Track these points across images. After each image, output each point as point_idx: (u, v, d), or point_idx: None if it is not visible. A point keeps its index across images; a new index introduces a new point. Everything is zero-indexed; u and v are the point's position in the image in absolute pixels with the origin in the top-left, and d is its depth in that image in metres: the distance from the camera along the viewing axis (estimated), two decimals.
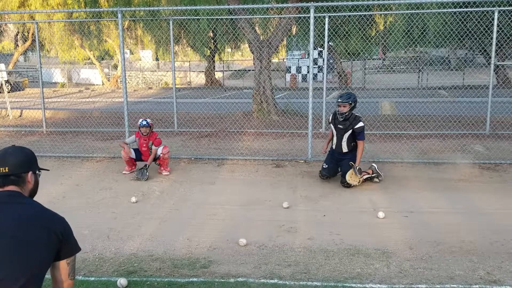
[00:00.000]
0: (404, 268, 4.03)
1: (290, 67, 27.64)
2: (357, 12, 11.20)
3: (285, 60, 29.20)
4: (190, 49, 26.80)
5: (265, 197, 6.10)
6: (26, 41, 25.32)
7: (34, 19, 19.51)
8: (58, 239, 1.95)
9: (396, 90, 19.66)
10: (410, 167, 7.49)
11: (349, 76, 24.61)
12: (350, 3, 8.88)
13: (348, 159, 6.40)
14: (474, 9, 10.75)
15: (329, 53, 23.16)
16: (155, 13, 16.88)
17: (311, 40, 7.71)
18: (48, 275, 2.04)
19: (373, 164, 6.77)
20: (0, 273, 1.80)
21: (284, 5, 12.61)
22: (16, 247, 1.84)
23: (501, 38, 14.82)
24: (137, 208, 5.76)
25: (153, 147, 7.06)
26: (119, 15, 8.03)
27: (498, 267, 4.04)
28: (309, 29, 7.78)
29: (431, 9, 13.59)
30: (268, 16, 14.78)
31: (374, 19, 17.23)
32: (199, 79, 29.72)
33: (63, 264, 2.02)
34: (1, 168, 2.04)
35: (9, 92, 15.64)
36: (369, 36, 18.33)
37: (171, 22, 11.08)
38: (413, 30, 15.48)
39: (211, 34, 23.42)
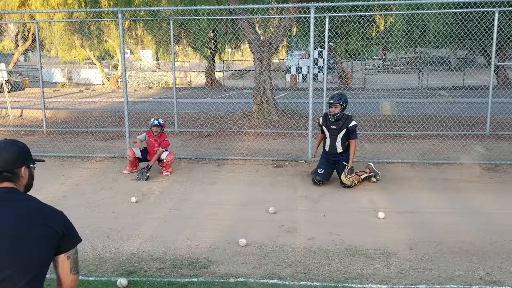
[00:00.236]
0: (404, 269, 4.03)
1: (290, 67, 27.64)
2: (358, 12, 11.19)
3: (285, 60, 29.22)
4: (190, 49, 26.79)
5: (265, 197, 6.10)
6: (26, 40, 25.31)
7: (34, 19, 19.51)
8: (58, 234, 1.91)
9: (396, 91, 19.65)
10: (410, 167, 7.49)
11: (349, 77, 24.61)
12: (351, 3, 8.89)
13: (344, 159, 6.42)
14: (475, 9, 10.75)
15: (329, 53, 23.18)
16: (156, 13, 16.89)
17: (311, 40, 7.71)
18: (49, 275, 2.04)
19: (370, 163, 6.78)
20: (0, 274, 1.78)
21: (285, 5, 12.61)
22: (16, 247, 1.81)
23: (501, 38, 14.80)
24: (137, 208, 5.76)
25: (160, 149, 7.06)
26: (120, 15, 8.04)
27: (498, 267, 4.04)
28: (309, 29, 7.79)
29: (432, 10, 13.59)
30: (269, 16, 14.79)
31: (374, 19, 17.25)
32: (199, 79, 29.72)
33: (62, 258, 1.96)
34: None
35: (9, 92, 15.64)
36: (370, 37, 18.34)
37: (171, 22, 11.08)
38: (413, 31, 15.47)
39: (212, 34, 23.42)
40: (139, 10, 16.36)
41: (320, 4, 8.30)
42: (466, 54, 24.59)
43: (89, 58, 28.31)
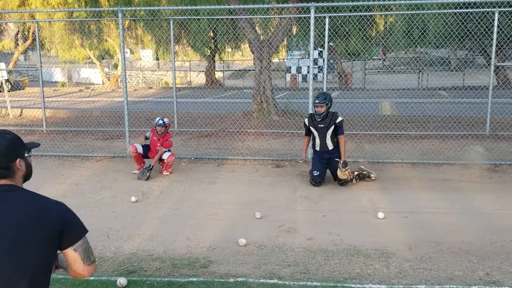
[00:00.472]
0: (403, 269, 4.04)
1: (290, 67, 27.65)
2: (358, 12, 11.20)
3: (285, 60, 29.21)
4: (190, 48, 26.78)
5: (265, 197, 6.11)
6: (26, 40, 25.29)
7: (34, 18, 19.51)
8: (57, 231, 1.81)
9: (396, 91, 19.65)
10: (410, 168, 7.50)
11: (349, 77, 24.61)
12: (351, 3, 8.89)
13: (336, 156, 6.49)
14: (475, 9, 10.75)
15: (329, 53, 23.18)
16: (156, 12, 16.88)
17: (311, 40, 7.71)
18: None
19: (361, 167, 6.88)
20: (1, 274, 1.75)
21: (285, 5, 12.62)
22: (16, 247, 1.76)
23: (501, 39, 14.79)
24: (137, 207, 5.77)
25: (162, 148, 7.06)
26: (120, 15, 8.04)
27: (497, 267, 4.04)
28: (309, 29, 7.79)
29: (432, 10, 13.59)
30: (269, 16, 14.79)
31: (374, 19, 17.25)
32: (199, 79, 29.72)
33: (70, 252, 1.86)
34: None
35: (9, 91, 15.64)
36: (370, 37, 18.34)
37: (171, 22, 11.08)
38: (413, 31, 15.47)
39: (212, 34, 23.43)
40: (139, 9, 16.37)
41: (320, 4, 8.30)
42: (466, 54, 24.59)
43: (89, 58, 28.32)
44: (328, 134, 6.49)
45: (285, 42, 23.87)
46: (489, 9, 10.38)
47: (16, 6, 20.56)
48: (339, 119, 6.50)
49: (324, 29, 9.24)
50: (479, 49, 21.58)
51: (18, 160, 1.89)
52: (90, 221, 5.18)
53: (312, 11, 7.60)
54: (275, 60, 30.23)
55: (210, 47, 25.07)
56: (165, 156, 7.10)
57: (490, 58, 10.12)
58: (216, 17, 15.52)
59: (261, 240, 4.68)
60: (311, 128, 6.62)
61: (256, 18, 15.17)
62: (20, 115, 13.57)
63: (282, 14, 12.23)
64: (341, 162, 6.35)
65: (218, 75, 29.29)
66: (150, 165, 7.04)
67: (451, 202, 5.81)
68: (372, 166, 7.51)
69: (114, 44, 25.48)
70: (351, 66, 25.59)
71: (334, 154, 6.53)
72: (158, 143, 7.09)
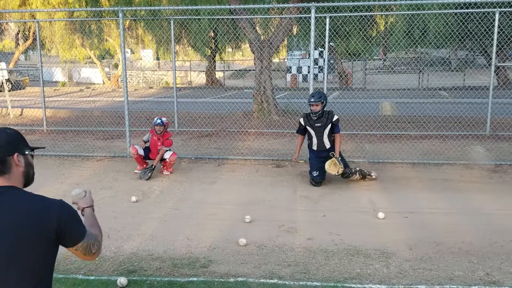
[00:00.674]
0: (403, 269, 4.04)
1: (290, 67, 27.64)
2: (358, 12, 11.20)
3: (285, 60, 29.20)
4: (191, 48, 26.79)
5: (265, 197, 6.11)
6: (27, 40, 25.30)
7: (35, 18, 19.51)
8: (57, 231, 1.76)
9: (396, 91, 19.65)
10: (410, 168, 7.49)
11: (349, 77, 24.61)
12: (351, 3, 8.90)
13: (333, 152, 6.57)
14: (475, 10, 10.75)
15: (329, 54, 23.19)
16: (156, 12, 16.89)
17: (312, 40, 7.72)
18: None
19: (361, 169, 6.88)
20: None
21: (285, 5, 12.62)
22: (15, 249, 1.71)
23: (502, 39, 14.79)
24: (137, 207, 5.77)
25: (163, 147, 7.07)
26: (120, 15, 8.04)
27: (497, 268, 4.04)
28: (310, 29, 7.79)
29: (432, 10, 13.59)
30: (269, 16, 14.79)
31: (375, 19, 17.25)
32: (199, 78, 29.72)
33: (71, 249, 1.85)
34: None
35: (9, 91, 15.64)
36: (370, 37, 18.34)
37: (172, 22, 11.08)
38: (413, 31, 15.48)
39: (212, 34, 23.44)
40: (139, 9, 16.41)
41: (321, 4, 8.30)
42: (467, 54, 24.59)
43: (90, 57, 28.32)
44: (325, 133, 6.53)
45: (285, 42, 23.86)
46: (490, 9, 10.37)
47: (16, 5, 20.57)
48: (336, 117, 6.57)
49: (325, 29, 9.24)
50: (479, 49, 21.57)
51: (16, 154, 1.82)
52: None
53: (313, 11, 7.60)
54: (275, 60, 30.24)
55: (211, 47, 25.08)
56: (167, 155, 7.11)
57: (491, 58, 10.12)
58: (217, 17, 15.53)
59: (261, 240, 4.68)
60: (308, 127, 6.63)
61: (256, 18, 15.17)
62: (21, 114, 13.58)
63: (282, 14, 12.23)
64: (338, 157, 6.43)
65: (219, 75, 29.29)
66: (152, 165, 7.04)
67: (451, 202, 5.81)
68: (372, 166, 7.51)
69: (114, 44, 25.49)
70: (351, 66, 25.59)
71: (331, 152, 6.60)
72: (158, 143, 7.09)
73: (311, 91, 7.80)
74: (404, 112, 12.68)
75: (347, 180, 6.72)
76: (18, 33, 26.85)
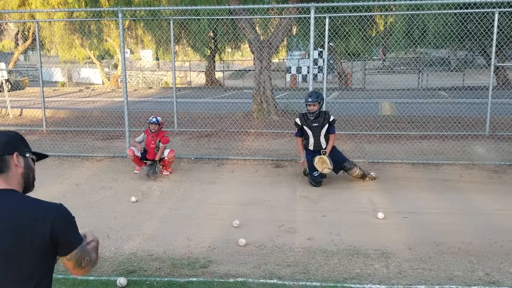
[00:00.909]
0: (403, 269, 4.04)
1: (290, 67, 27.64)
2: (358, 12, 11.19)
3: (285, 60, 29.21)
4: (190, 49, 26.79)
5: (265, 197, 6.11)
6: (26, 40, 25.30)
7: (34, 18, 19.50)
8: (51, 239, 1.72)
9: (396, 91, 19.66)
10: (410, 168, 7.50)
11: (349, 77, 24.61)
12: (351, 3, 8.88)
13: (332, 152, 6.61)
14: (475, 10, 10.75)
15: (329, 54, 23.17)
16: (156, 12, 16.88)
17: (312, 40, 7.71)
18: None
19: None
20: None
21: (285, 5, 12.62)
22: (9, 257, 1.68)
23: (501, 39, 14.80)
24: (137, 207, 5.77)
25: (161, 145, 7.08)
26: (120, 15, 8.04)
27: (497, 268, 4.04)
28: (309, 29, 7.79)
29: (432, 10, 13.59)
30: (269, 17, 14.79)
31: (374, 19, 17.24)
32: (199, 79, 29.72)
33: (63, 259, 1.79)
34: None
35: (9, 91, 15.64)
36: (370, 37, 18.34)
37: (171, 22, 11.08)
38: (413, 31, 15.47)
39: (212, 34, 23.43)
40: (139, 9, 16.35)
41: (320, 4, 8.30)
42: (466, 54, 24.59)
43: (89, 58, 28.32)
44: (322, 133, 6.59)
45: (285, 42, 23.88)
46: (489, 10, 10.38)
47: (16, 6, 20.56)
48: (332, 117, 6.65)
49: (324, 29, 9.24)
50: (479, 49, 21.59)
51: (15, 154, 1.78)
52: (90, 221, 5.19)
53: (312, 11, 7.60)
54: (275, 60, 30.24)
55: (210, 47, 25.08)
56: (165, 153, 7.12)
57: (490, 59, 10.12)
58: (216, 17, 15.52)
59: (261, 240, 4.68)
60: (305, 127, 6.65)
61: (256, 18, 15.17)
62: (20, 115, 13.57)
63: (282, 14, 12.23)
64: (326, 154, 6.51)
65: (218, 75, 29.30)
66: (154, 160, 7.05)
67: (451, 202, 5.81)
68: (372, 166, 7.51)
69: (114, 44, 25.49)
70: (351, 66, 25.60)
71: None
72: (152, 142, 7.11)
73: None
74: (404, 112, 12.68)
75: (347, 180, 6.73)
76: (17, 33, 26.84)
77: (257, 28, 15.15)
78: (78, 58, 27.16)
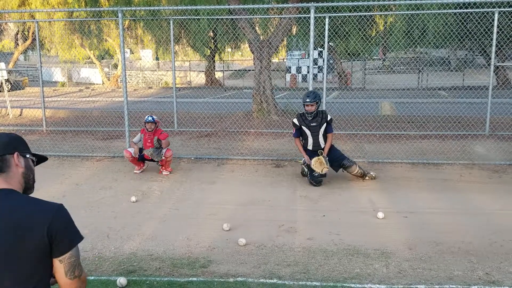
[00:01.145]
0: (403, 268, 4.04)
1: (290, 67, 27.64)
2: (357, 12, 11.20)
3: (285, 60, 29.20)
4: (190, 48, 26.78)
5: (265, 197, 6.11)
6: (26, 40, 25.29)
7: (34, 18, 19.51)
8: (47, 239, 1.70)
9: (396, 91, 19.66)
10: (410, 168, 7.50)
11: (349, 77, 24.62)
12: (351, 3, 8.89)
13: (330, 151, 6.64)
14: (474, 10, 10.75)
15: (329, 53, 23.17)
16: (156, 12, 16.88)
17: (311, 40, 7.72)
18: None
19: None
20: None
21: (285, 5, 12.61)
22: (10, 256, 1.68)
23: (501, 39, 14.80)
24: (137, 207, 5.77)
25: (163, 141, 7.11)
26: (120, 15, 8.04)
27: (497, 267, 4.05)
28: (309, 29, 7.79)
29: (431, 10, 13.59)
30: (269, 16, 14.79)
31: (374, 19, 17.23)
32: (199, 78, 29.72)
33: (55, 262, 1.75)
34: None
35: (9, 91, 15.64)
36: (369, 37, 18.33)
37: (171, 22, 11.08)
38: (413, 31, 15.47)
39: (211, 34, 23.43)
40: (139, 9, 16.34)
41: (320, 4, 8.30)
42: (466, 54, 24.59)
43: (89, 58, 28.32)
44: (321, 132, 6.62)
45: (285, 42, 23.88)
46: (489, 9, 10.38)
47: (16, 6, 20.56)
48: (330, 116, 6.70)
49: (324, 29, 9.24)
50: (479, 49, 21.58)
51: (16, 154, 1.79)
52: (90, 221, 5.19)
53: (312, 11, 7.60)
54: (275, 60, 30.24)
55: (210, 47, 25.08)
56: (163, 153, 7.13)
57: (490, 58, 10.12)
58: (216, 17, 15.52)
59: (261, 240, 4.68)
60: (303, 127, 6.66)
61: (256, 18, 15.17)
62: (20, 115, 13.57)
63: (282, 14, 12.23)
64: (326, 157, 6.52)
65: (218, 75, 29.29)
66: (161, 147, 7.13)
67: (451, 202, 5.82)
68: (372, 166, 7.52)
69: (114, 44, 25.48)
70: (351, 66, 25.60)
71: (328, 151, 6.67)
72: (148, 140, 7.12)
73: None
74: (404, 112, 12.68)
75: (347, 179, 6.73)
76: (17, 33, 26.84)
77: (257, 28, 15.15)
78: (78, 58, 27.16)
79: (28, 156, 1.85)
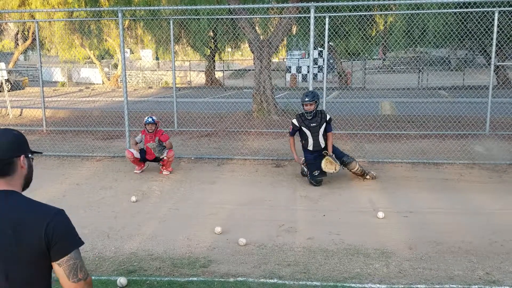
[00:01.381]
0: (403, 268, 4.04)
1: (290, 67, 27.64)
2: (358, 12, 11.21)
3: (285, 60, 29.21)
4: (190, 48, 26.79)
5: (265, 197, 6.11)
6: (26, 40, 25.29)
7: (34, 18, 19.51)
8: (45, 242, 1.69)
9: (396, 90, 19.66)
10: (410, 167, 7.50)
11: (349, 76, 24.61)
12: (351, 3, 8.89)
13: (332, 150, 6.63)
14: (475, 9, 10.75)
15: (329, 53, 23.18)
16: (156, 12, 16.89)
17: (311, 40, 7.72)
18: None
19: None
20: None
21: (285, 5, 12.61)
22: (10, 257, 1.68)
23: (501, 38, 14.80)
24: (137, 207, 5.77)
25: (166, 142, 7.11)
26: (120, 15, 8.04)
27: (497, 267, 4.04)
28: (309, 29, 7.79)
29: (431, 9, 13.59)
30: (269, 16, 14.80)
31: (374, 19, 17.24)
32: (199, 78, 29.72)
33: (55, 266, 1.73)
34: None
35: (9, 91, 15.64)
36: (369, 36, 18.34)
37: (171, 22, 11.08)
38: (413, 30, 15.47)
39: (212, 34, 23.42)
40: (139, 9, 16.38)
41: (320, 4, 8.30)
42: (466, 54, 24.59)
43: (89, 58, 28.32)
44: (321, 132, 6.61)
45: (285, 42, 23.87)
46: (489, 9, 10.37)
47: (16, 6, 20.56)
48: (329, 116, 6.71)
49: (324, 28, 9.24)
50: (479, 48, 21.58)
51: (22, 156, 1.78)
52: (90, 221, 5.19)
53: (312, 11, 7.60)
54: (275, 59, 30.23)
55: (210, 47, 25.08)
56: (165, 153, 7.13)
57: (490, 58, 10.12)
58: (216, 16, 15.52)
59: (261, 240, 4.68)
60: (303, 128, 6.65)
61: (256, 18, 15.18)
62: (20, 115, 13.57)
63: (282, 14, 12.22)
64: (329, 154, 6.50)
65: (218, 75, 29.29)
66: (164, 144, 7.14)
67: (451, 202, 5.81)
68: (372, 166, 7.52)
69: (114, 44, 25.48)
70: (351, 65, 25.60)
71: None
72: (151, 141, 7.12)
73: None
74: (404, 112, 12.67)
75: (347, 179, 6.73)
76: (17, 33, 26.84)
77: (257, 28, 15.15)
78: (78, 58, 27.16)
79: (30, 155, 1.85)
